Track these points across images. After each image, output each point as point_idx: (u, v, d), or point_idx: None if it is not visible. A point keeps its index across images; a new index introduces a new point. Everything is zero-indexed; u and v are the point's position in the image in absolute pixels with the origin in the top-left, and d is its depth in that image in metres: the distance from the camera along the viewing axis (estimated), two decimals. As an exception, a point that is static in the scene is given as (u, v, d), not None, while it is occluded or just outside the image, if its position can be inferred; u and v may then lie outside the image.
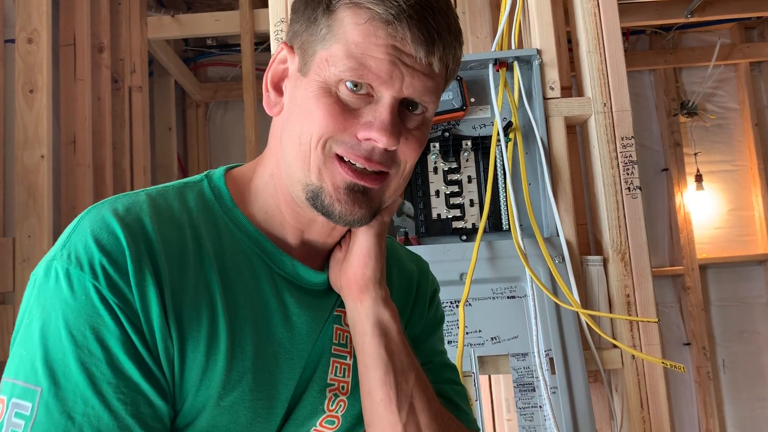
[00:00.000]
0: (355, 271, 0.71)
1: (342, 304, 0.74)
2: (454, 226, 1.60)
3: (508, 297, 1.52)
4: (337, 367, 0.73)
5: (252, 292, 0.67)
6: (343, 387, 0.74)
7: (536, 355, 1.46)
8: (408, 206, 1.57)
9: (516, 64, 1.64)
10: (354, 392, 0.74)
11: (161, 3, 3.49)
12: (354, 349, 0.73)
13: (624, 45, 3.98)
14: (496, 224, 1.60)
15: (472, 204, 1.61)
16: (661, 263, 4.02)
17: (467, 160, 1.63)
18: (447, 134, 1.62)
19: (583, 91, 1.67)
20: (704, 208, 4.02)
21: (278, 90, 0.71)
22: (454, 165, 1.62)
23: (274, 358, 0.68)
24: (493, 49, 1.71)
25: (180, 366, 0.61)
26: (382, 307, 0.71)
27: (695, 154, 4.05)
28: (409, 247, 1.53)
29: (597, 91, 1.63)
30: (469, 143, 1.61)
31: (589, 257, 1.59)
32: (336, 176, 0.64)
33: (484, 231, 1.55)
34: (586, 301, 1.56)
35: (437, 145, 1.61)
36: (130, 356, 0.58)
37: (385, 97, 0.63)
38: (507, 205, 1.57)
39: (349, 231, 0.74)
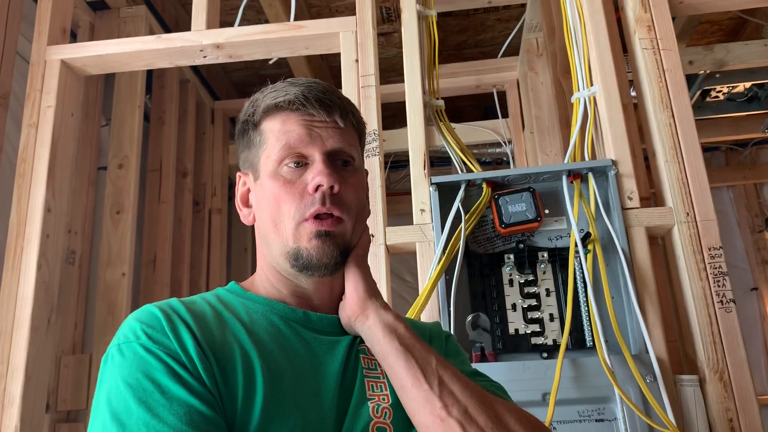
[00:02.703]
0: (351, 296, 0.82)
1: (362, 341, 0.83)
2: (533, 342, 1.52)
3: (596, 420, 1.39)
4: (372, 385, 0.81)
5: (275, 335, 0.78)
6: (383, 398, 0.80)
7: (632, 487, 1.32)
8: (483, 319, 1.51)
9: (591, 176, 1.62)
10: (396, 403, 0.78)
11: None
12: (384, 371, 0.80)
13: (699, 161, 3.91)
14: (579, 340, 1.51)
15: (552, 318, 1.53)
16: (759, 391, 3.68)
17: (544, 273, 1.57)
18: (522, 245, 1.58)
19: (664, 201, 1.61)
20: (803, 330, 3.73)
21: (247, 205, 0.89)
22: (531, 277, 1.56)
23: (311, 379, 0.76)
24: (566, 161, 1.70)
25: (224, 384, 0.70)
26: (384, 313, 0.80)
27: (786, 271, 3.83)
28: (485, 364, 1.46)
29: (678, 200, 1.57)
30: (546, 254, 1.56)
31: (683, 376, 1.46)
32: (307, 232, 0.79)
33: (567, 348, 1.46)
34: (683, 425, 1.41)
35: (512, 256, 1.57)
36: (176, 381, 0.67)
37: (316, 155, 0.81)
38: (590, 319, 1.49)
39: None
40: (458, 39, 3.59)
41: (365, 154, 1.68)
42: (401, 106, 1.82)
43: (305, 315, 0.83)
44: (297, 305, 0.84)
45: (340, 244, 0.81)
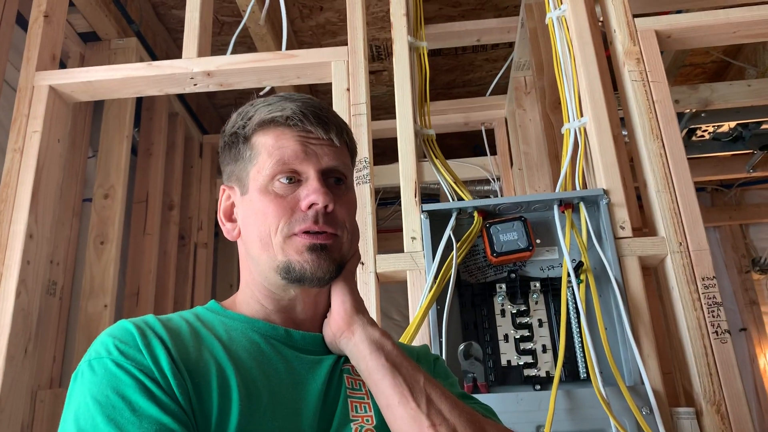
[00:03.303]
0: (337, 311, 0.80)
1: (347, 360, 0.81)
2: (525, 374, 1.48)
3: (592, 453, 1.35)
4: (356, 406, 0.78)
5: (254, 353, 0.75)
6: (367, 420, 0.78)
7: None
8: (476, 348, 1.47)
9: (582, 205, 1.61)
10: (380, 424, 0.76)
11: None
12: (369, 391, 0.77)
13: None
14: (572, 372, 1.47)
15: (544, 350, 1.50)
16: (752, 434, 3.63)
17: (537, 303, 1.54)
18: (513, 275, 1.55)
19: (656, 231, 1.60)
20: (793, 372, 3.70)
21: (230, 219, 0.86)
22: (523, 307, 1.53)
23: (291, 398, 0.73)
24: (557, 191, 1.69)
25: (198, 401, 0.68)
26: (370, 329, 0.78)
27: (775, 312, 3.82)
28: (477, 396, 1.42)
29: (671, 230, 1.56)
30: (538, 284, 1.54)
31: (680, 409, 1.43)
32: (297, 246, 0.76)
33: (560, 379, 1.42)
34: (683, 461, 1.37)
35: (503, 286, 1.54)
36: (148, 398, 0.65)
37: (311, 172, 0.78)
38: (584, 350, 1.45)
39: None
40: (447, 78, 3.63)
41: (355, 182, 1.66)
42: (390, 142, 1.82)
43: (287, 333, 0.80)
44: (280, 322, 0.81)
45: (336, 259, 0.79)
